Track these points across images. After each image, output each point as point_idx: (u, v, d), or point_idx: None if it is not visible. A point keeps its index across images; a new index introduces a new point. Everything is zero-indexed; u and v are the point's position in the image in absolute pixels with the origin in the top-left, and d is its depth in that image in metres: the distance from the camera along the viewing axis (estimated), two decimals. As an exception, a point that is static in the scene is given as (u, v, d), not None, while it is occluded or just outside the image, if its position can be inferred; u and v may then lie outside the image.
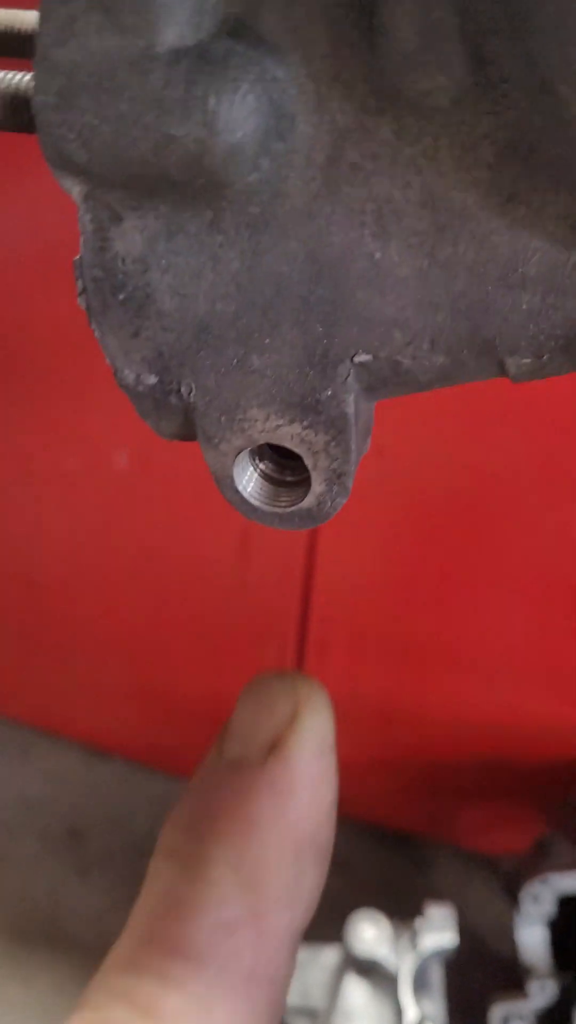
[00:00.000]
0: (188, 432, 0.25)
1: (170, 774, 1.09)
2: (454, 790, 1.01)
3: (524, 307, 0.21)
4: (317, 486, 0.24)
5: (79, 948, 0.95)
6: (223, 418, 0.24)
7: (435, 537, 1.09)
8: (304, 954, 0.78)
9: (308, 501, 0.24)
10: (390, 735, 1.15)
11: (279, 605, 1.15)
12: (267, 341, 0.23)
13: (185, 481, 1.03)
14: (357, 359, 0.22)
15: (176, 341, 0.23)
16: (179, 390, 0.24)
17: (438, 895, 0.88)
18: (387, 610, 1.18)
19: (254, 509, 0.25)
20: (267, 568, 1.14)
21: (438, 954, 0.78)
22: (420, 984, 0.77)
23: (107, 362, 0.24)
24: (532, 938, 0.86)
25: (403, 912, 0.81)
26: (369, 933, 0.77)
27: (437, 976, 0.79)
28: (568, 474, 0.86)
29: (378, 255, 0.21)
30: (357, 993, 0.76)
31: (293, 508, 0.25)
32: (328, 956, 0.78)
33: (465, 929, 0.83)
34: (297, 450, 0.24)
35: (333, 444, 0.24)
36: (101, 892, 0.99)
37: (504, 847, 0.95)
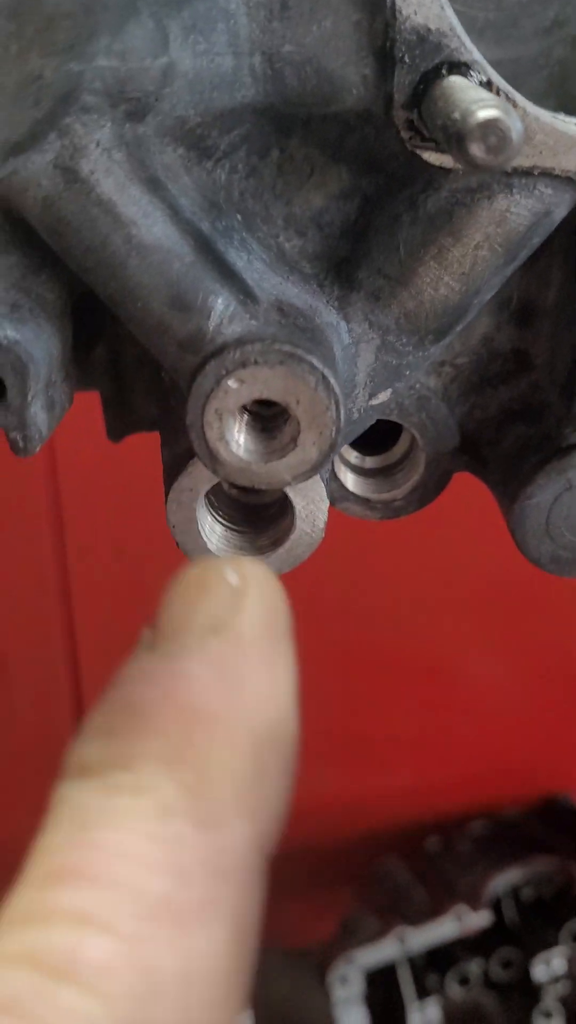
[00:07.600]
0: None
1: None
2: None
3: None
4: None
5: None
6: None
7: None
8: None
9: None
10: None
11: (53, 724, 1.07)
12: None
13: None
14: None
15: None
16: None
17: (268, 997, 0.84)
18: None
19: None
20: (32, 688, 1.06)
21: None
22: None
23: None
24: (352, 1022, 0.84)
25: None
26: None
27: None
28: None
29: None
30: None
31: None
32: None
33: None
34: None
35: None
36: None
37: (320, 935, 0.93)
